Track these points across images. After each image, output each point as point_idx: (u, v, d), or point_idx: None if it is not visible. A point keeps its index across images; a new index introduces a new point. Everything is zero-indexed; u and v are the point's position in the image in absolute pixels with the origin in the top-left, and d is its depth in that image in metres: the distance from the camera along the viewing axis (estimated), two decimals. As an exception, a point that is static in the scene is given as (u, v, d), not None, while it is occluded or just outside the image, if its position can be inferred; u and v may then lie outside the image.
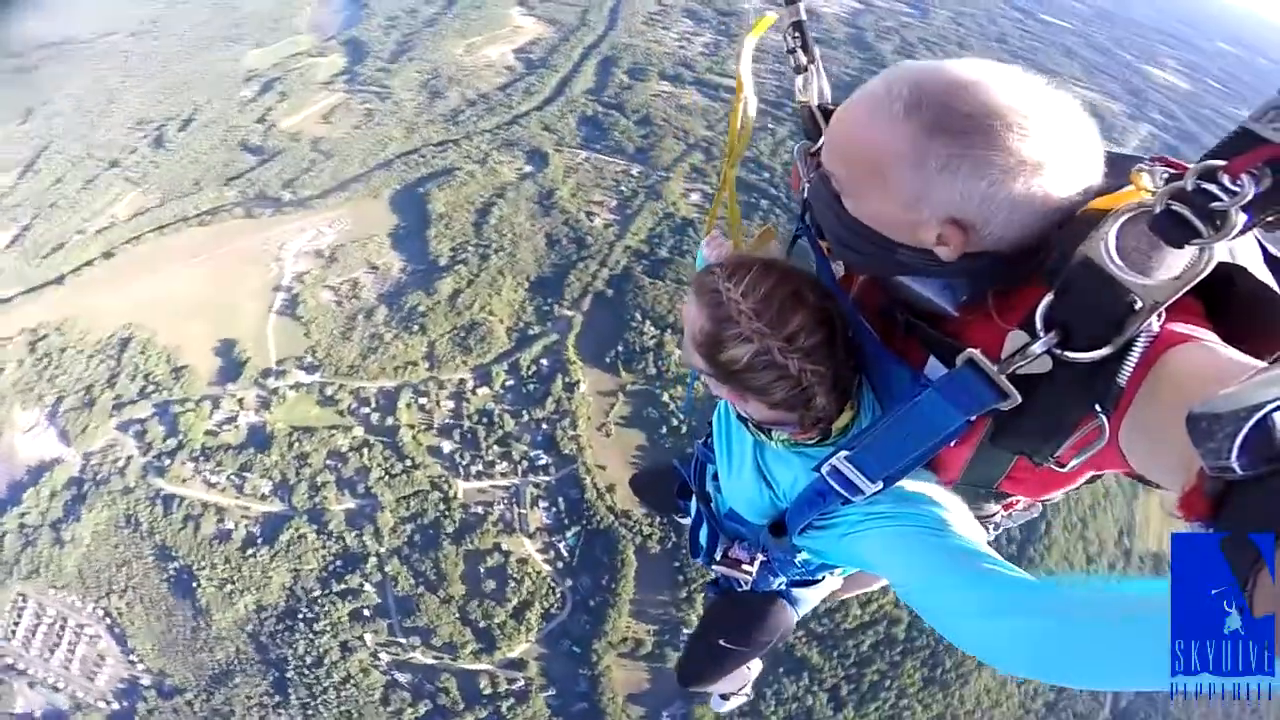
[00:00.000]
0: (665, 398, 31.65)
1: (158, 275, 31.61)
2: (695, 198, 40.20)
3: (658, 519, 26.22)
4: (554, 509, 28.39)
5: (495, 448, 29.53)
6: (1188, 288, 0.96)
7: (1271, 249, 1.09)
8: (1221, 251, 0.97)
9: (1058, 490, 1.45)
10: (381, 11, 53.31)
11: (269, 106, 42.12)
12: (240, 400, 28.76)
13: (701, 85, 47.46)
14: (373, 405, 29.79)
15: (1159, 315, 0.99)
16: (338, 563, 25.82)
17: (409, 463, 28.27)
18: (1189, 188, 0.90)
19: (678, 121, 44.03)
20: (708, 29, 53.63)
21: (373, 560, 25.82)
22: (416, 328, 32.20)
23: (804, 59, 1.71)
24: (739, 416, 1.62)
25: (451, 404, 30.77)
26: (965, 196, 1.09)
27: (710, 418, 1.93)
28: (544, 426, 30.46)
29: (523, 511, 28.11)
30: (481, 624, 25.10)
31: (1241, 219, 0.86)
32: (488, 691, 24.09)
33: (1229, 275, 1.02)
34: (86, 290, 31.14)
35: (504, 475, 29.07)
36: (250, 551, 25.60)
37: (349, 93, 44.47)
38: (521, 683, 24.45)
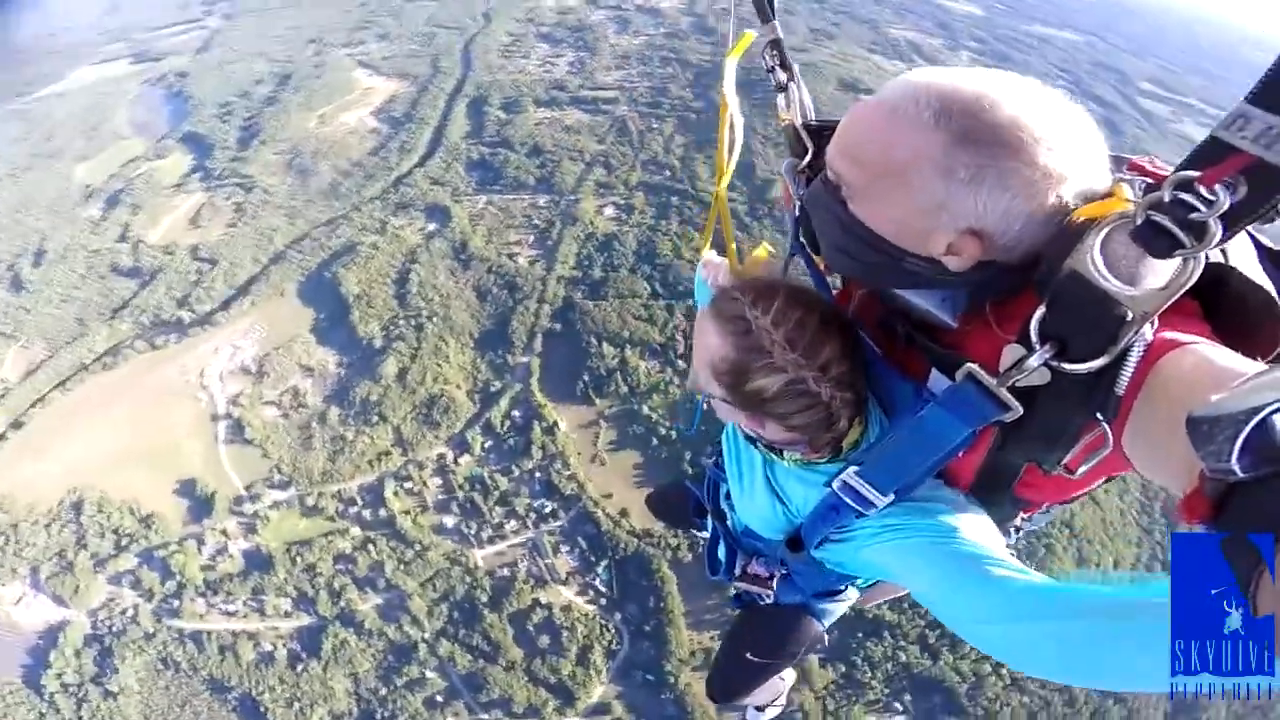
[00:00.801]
0: (645, 411, 33.24)
1: (79, 434, 29.67)
2: (610, 211, 42.26)
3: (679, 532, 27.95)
4: (577, 550, 29.24)
5: (498, 509, 30.05)
6: (1175, 297, 1.00)
7: (1267, 242, 1.15)
8: (1213, 254, 1.02)
9: (1074, 494, 1.51)
10: (209, 100, 51.35)
11: (125, 222, 39.83)
12: (224, 531, 28.05)
13: (579, 103, 49.64)
14: (360, 503, 29.53)
15: (1152, 322, 1.02)
16: (390, 658, 25.79)
17: (418, 547, 28.39)
18: (1166, 199, 0.95)
19: (569, 143, 45.90)
20: (567, 48, 55.97)
21: (423, 647, 25.85)
22: (375, 418, 31.99)
23: (783, 76, 1.76)
24: (747, 437, 1.66)
25: (438, 480, 30.97)
26: (988, 208, 1.14)
27: (708, 429, 2.06)
28: (538, 475, 31.25)
29: (548, 561, 28.82)
30: (552, 680, 25.58)
31: (1220, 228, 0.91)
32: (583, 743, 24.86)
33: (1222, 276, 1.08)
34: (10, 466, 28.96)
35: (516, 533, 29.68)
36: (300, 667, 25.38)
37: (209, 191, 42.82)
38: (612, 725, 25.26)
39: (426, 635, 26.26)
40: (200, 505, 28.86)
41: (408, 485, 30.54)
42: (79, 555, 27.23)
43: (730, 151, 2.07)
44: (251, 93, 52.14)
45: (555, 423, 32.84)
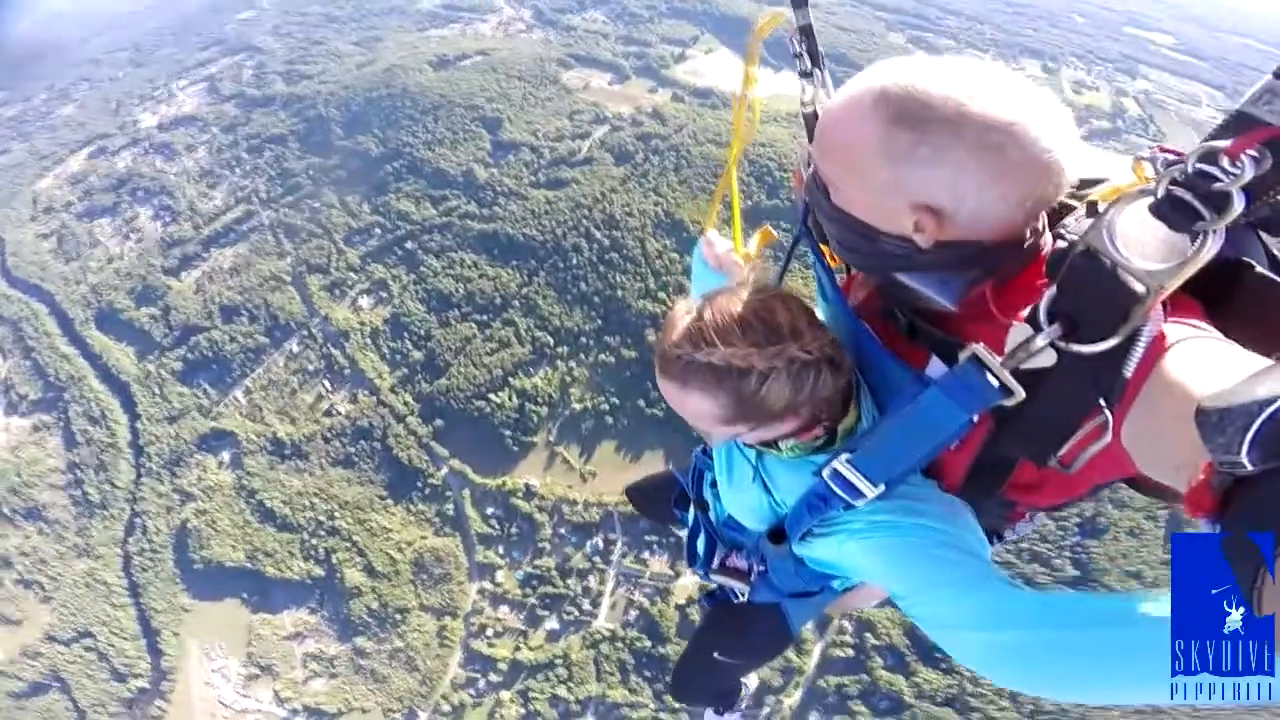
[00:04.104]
0: (576, 408, 39.53)
1: None
2: (365, 301, 45.13)
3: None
4: (654, 545, 35.33)
5: (570, 582, 34.94)
6: (1191, 271, 1.10)
7: (1276, 250, 1.25)
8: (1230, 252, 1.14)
9: (1063, 499, 1.73)
10: None
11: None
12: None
13: (216, 242, 49.33)
14: (478, 675, 33.17)
15: (1163, 309, 1.14)
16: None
17: (560, 661, 32.78)
18: (1189, 170, 1.10)
19: (254, 280, 46.30)
20: (131, 206, 53.00)
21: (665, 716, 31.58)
22: (397, 616, 34.48)
23: (809, 63, 1.99)
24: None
25: (505, 608, 34.86)
26: (931, 182, 1.32)
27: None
28: (561, 531, 36.43)
29: (649, 574, 34.65)
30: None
31: (1242, 200, 1.04)
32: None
33: (1234, 271, 1.22)
34: None
35: (603, 584, 34.92)
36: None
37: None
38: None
39: (653, 707, 31.51)
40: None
41: (489, 634, 33.90)
42: None
43: (747, 131, 2.38)
44: None
45: (526, 485, 37.49)
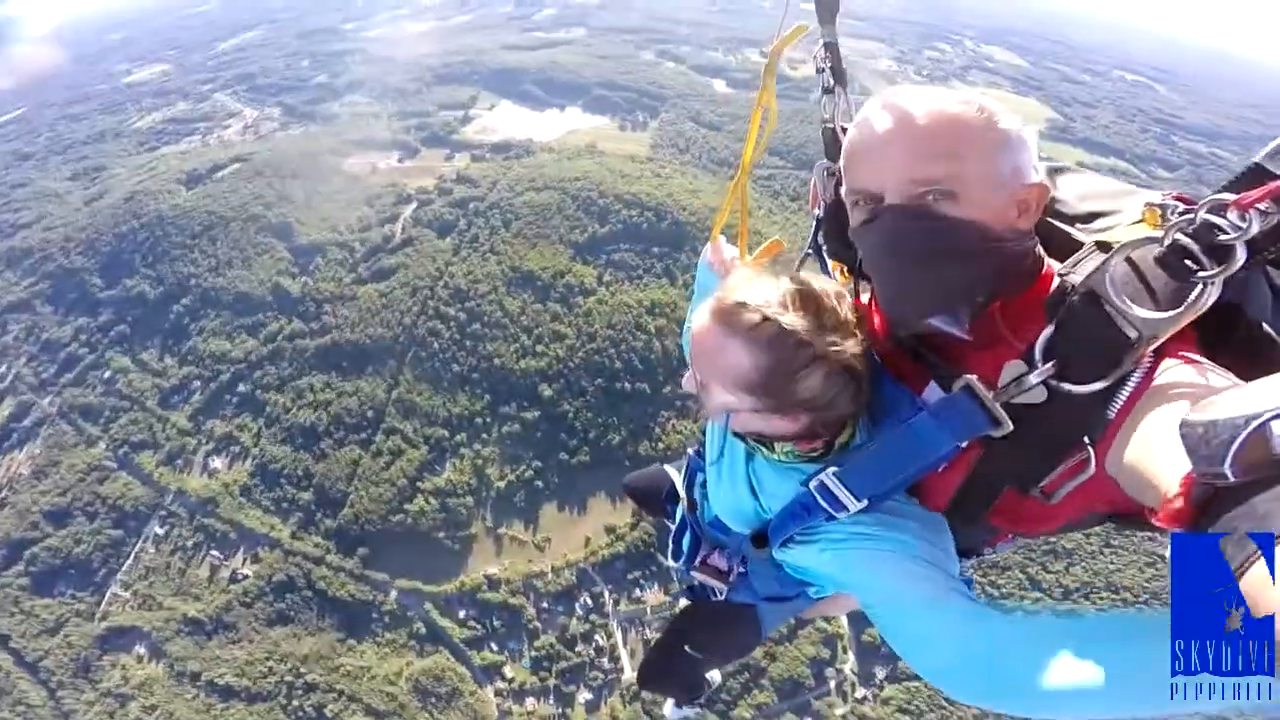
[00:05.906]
0: (499, 485, 39.82)
1: None
2: (216, 462, 42.18)
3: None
4: (640, 583, 37.06)
5: (578, 649, 35.54)
6: (1187, 321, 1.17)
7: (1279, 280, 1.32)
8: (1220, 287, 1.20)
9: (1045, 527, 1.77)
10: None
11: None
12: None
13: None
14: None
15: (1156, 351, 1.22)
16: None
17: None
18: (1197, 221, 1.16)
19: (64, 483, 41.39)
20: None
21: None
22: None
23: (832, 80, 2.11)
24: (735, 433, 1.92)
25: (531, 700, 34.70)
26: (1030, 161, 1.49)
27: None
28: (544, 605, 36.92)
29: (650, 609, 36.26)
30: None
31: (1244, 254, 1.10)
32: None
33: (1233, 312, 1.29)
34: None
35: (609, 637, 35.86)
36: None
37: None
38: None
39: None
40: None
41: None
42: None
43: (759, 141, 2.44)
44: None
45: (486, 577, 37.46)
